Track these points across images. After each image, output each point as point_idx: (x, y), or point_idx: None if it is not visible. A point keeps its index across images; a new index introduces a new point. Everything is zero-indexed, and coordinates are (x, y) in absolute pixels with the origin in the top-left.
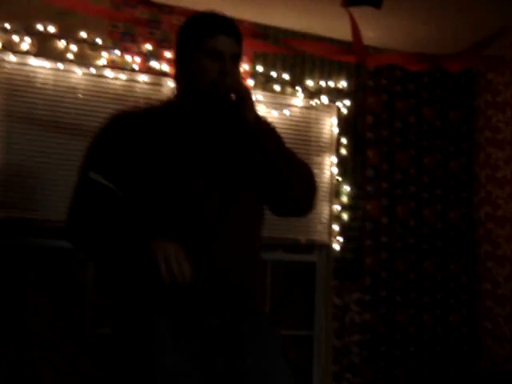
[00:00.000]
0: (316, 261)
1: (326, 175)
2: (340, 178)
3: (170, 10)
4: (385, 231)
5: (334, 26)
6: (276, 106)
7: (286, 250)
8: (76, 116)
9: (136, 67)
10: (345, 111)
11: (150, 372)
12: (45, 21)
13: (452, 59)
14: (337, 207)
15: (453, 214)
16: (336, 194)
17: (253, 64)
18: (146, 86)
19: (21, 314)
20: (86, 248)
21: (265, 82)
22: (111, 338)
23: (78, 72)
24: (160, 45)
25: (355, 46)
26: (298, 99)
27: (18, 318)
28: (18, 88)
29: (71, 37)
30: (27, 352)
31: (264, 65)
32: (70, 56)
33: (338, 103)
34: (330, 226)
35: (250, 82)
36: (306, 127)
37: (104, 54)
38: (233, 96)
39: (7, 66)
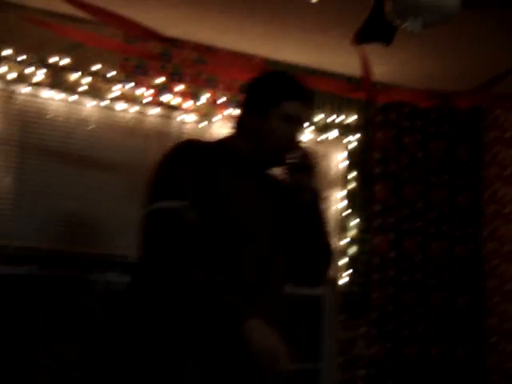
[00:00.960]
0: (322, 294)
1: (334, 209)
2: (348, 212)
3: (182, 44)
4: (392, 265)
5: (344, 61)
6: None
7: (293, 284)
8: (87, 147)
9: (147, 100)
10: (353, 146)
11: None
12: (58, 53)
13: (461, 97)
14: (344, 241)
15: (460, 249)
16: (344, 227)
17: None
18: (156, 119)
19: (30, 344)
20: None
21: (312, 150)
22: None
23: (90, 104)
24: (171, 78)
25: (365, 82)
26: (307, 134)
27: (27, 347)
28: (31, 119)
29: (84, 69)
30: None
31: None
32: (83, 88)
33: (347, 138)
34: (337, 260)
35: None
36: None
37: (116, 86)
38: (294, 162)
39: (20, 97)
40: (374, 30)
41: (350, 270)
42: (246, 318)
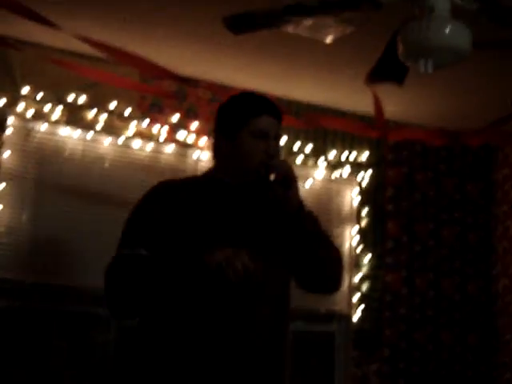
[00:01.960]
0: (335, 331)
1: (346, 246)
2: (360, 249)
3: (196, 83)
4: (404, 302)
5: (357, 100)
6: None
7: (306, 320)
8: (103, 184)
9: (163, 138)
10: (365, 183)
11: None
12: (75, 91)
13: (472, 135)
14: (357, 278)
15: (471, 287)
16: (356, 264)
17: None
18: (171, 157)
19: (43, 378)
20: (132, 306)
21: (287, 154)
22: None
23: (107, 142)
24: (187, 116)
25: (377, 121)
26: (320, 171)
27: (41, 381)
28: (48, 157)
29: (101, 107)
30: None
31: (287, 136)
32: (99, 126)
33: (359, 175)
34: (350, 297)
35: None
36: (327, 199)
37: (132, 124)
38: (273, 176)
39: (38, 134)
40: (386, 70)
41: (362, 307)
42: (201, 256)
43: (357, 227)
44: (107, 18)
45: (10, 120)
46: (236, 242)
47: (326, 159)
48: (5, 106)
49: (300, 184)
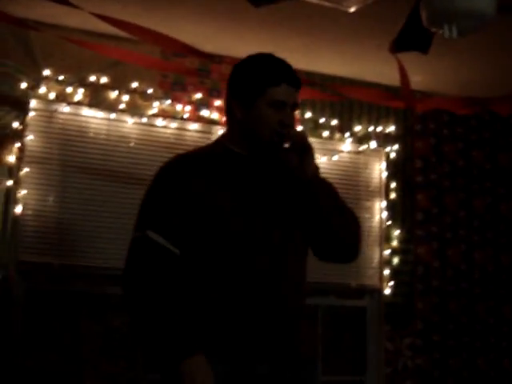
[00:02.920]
0: (367, 306)
1: (375, 220)
2: (390, 222)
3: (220, 59)
4: (436, 275)
5: (382, 71)
6: (325, 152)
7: (338, 296)
8: (128, 165)
9: (186, 116)
10: (393, 155)
11: None
12: (97, 72)
13: (500, 102)
14: (387, 251)
15: (504, 257)
16: (386, 238)
17: (301, 110)
18: (196, 135)
19: (72, 359)
20: (132, 310)
21: (313, 129)
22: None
23: (130, 121)
24: (210, 93)
25: (403, 91)
26: (347, 145)
27: (70, 363)
28: (72, 138)
29: (123, 87)
30: None
31: (312, 111)
32: (122, 106)
33: (387, 148)
34: (381, 271)
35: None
36: (354, 172)
37: (155, 103)
38: (288, 144)
39: (61, 116)
40: (410, 39)
41: (394, 281)
42: (186, 354)
43: (386, 200)
44: None
45: (33, 103)
46: (254, 214)
47: (352, 133)
48: (27, 88)
49: (316, 155)
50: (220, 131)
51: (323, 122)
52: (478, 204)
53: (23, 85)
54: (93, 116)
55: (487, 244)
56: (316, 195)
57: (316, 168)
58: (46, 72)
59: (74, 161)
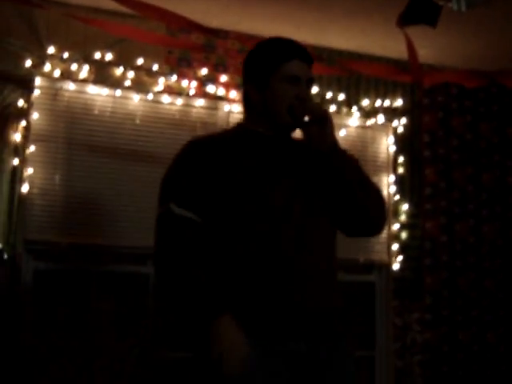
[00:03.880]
0: (376, 281)
1: (383, 194)
2: (398, 197)
3: (226, 34)
4: (444, 250)
5: (390, 45)
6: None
7: (346, 271)
8: (134, 141)
9: (192, 92)
10: (401, 130)
11: None
12: (102, 49)
13: (508, 75)
14: (396, 226)
15: None
16: (394, 213)
17: None
18: (202, 111)
19: (82, 337)
20: (164, 285)
21: (320, 103)
22: (193, 361)
23: (136, 98)
24: (216, 69)
25: (411, 65)
26: (354, 119)
27: (80, 340)
28: (77, 115)
29: (128, 64)
30: (88, 376)
31: (319, 86)
32: (128, 83)
33: (394, 122)
34: (389, 246)
35: None
36: (362, 147)
37: (160, 79)
38: (308, 117)
39: (66, 94)
40: (418, 12)
41: (402, 256)
42: (214, 315)
43: (393, 175)
44: None
45: (38, 81)
46: (278, 194)
47: (359, 107)
48: (31, 66)
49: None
50: (226, 107)
51: (330, 97)
52: (486, 178)
53: (28, 63)
54: (98, 93)
55: (496, 218)
56: (339, 168)
57: (335, 139)
58: (51, 50)
59: (80, 138)
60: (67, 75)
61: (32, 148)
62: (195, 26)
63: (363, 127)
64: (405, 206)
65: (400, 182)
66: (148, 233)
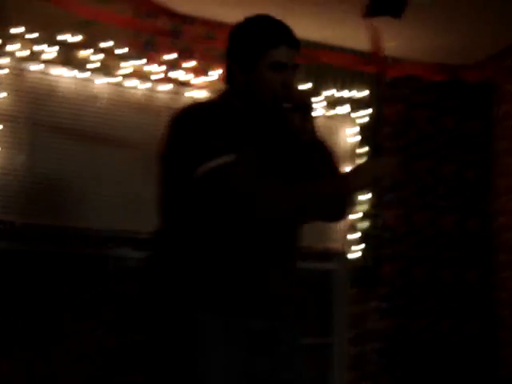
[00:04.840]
0: (333, 269)
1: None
2: None
3: (192, 20)
4: (402, 240)
5: (354, 36)
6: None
7: (303, 258)
8: (99, 124)
9: (158, 77)
10: (363, 121)
11: (197, 365)
12: (68, 31)
13: (471, 70)
14: (356, 216)
15: (470, 224)
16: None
17: None
18: (167, 96)
19: (42, 320)
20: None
21: (306, 90)
22: (152, 340)
23: (101, 81)
24: (181, 55)
25: (375, 56)
26: (318, 109)
27: (40, 324)
28: (42, 97)
29: (94, 46)
30: (49, 358)
31: None
32: (93, 65)
33: (357, 113)
34: (348, 235)
35: None
36: (325, 137)
37: (126, 63)
38: (291, 105)
39: (31, 75)
40: (383, 4)
41: (361, 245)
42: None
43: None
44: None
45: (2, 61)
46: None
47: (324, 97)
48: None
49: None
50: (191, 93)
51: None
52: (445, 171)
53: None
54: (63, 75)
55: (453, 210)
56: (316, 158)
57: (316, 129)
58: (17, 30)
59: (45, 120)
60: (33, 56)
61: None
62: (162, 10)
63: (327, 117)
64: (366, 196)
65: None
66: (109, 215)
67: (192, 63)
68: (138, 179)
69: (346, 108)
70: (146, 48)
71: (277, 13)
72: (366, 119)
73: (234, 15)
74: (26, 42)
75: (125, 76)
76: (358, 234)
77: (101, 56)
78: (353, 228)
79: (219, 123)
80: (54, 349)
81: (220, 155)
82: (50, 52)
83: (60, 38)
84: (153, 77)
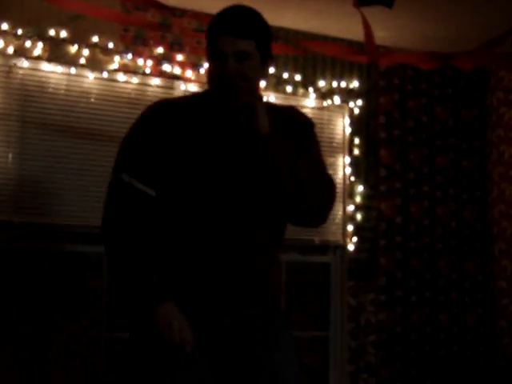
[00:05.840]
0: (330, 261)
1: (339, 176)
2: (353, 179)
3: (182, 13)
4: (399, 231)
5: (346, 26)
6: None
7: (301, 251)
8: (89, 120)
9: (148, 71)
10: (357, 111)
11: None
12: (57, 26)
13: (464, 57)
14: (351, 207)
15: (467, 213)
16: (350, 194)
17: None
18: (158, 90)
19: (35, 319)
20: (111, 259)
21: (276, 84)
22: (128, 340)
23: (91, 76)
24: (171, 48)
25: (367, 45)
26: (310, 100)
27: (32, 322)
28: (31, 93)
29: (83, 41)
30: (41, 356)
31: (276, 66)
32: (82, 60)
33: (350, 103)
34: (344, 227)
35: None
36: (318, 128)
37: (116, 58)
38: (235, 104)
39: (20, 71)
40: None
41: (357, 237)
42: (156, 303)
43: (349, 157)
44: None
45: None
46: (222, 168)
47: (316, 88)
48: None
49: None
50: (182, 86)
51: (286, 77)
52: (440, 160)
53: None
54: (52, 71)
55: (450, 200)
56: (266, 157)
57: (265, 128)
58: (4, 26)
59: (34, 116)
60: (21, 52)
61: None
62: (151, 3)
63: (319, 108)
64: (360, 188)
65: (355, 163)
66: (100, 212)
67: (182, 56)
68: None
69: (339, 99)
70: (136, 42)
71: (266, 5)
72: (359, 109)
73: (222, 7)
74: (14, 38)
75: (115, 70)
76: (354, 226)
77: (90, 51)
78: (349, 220)
79: (163, 126)
80: (47, 346)
81: (125, 170)
82: (39, 48)
83: (48, 33)
84: (143, 71)
